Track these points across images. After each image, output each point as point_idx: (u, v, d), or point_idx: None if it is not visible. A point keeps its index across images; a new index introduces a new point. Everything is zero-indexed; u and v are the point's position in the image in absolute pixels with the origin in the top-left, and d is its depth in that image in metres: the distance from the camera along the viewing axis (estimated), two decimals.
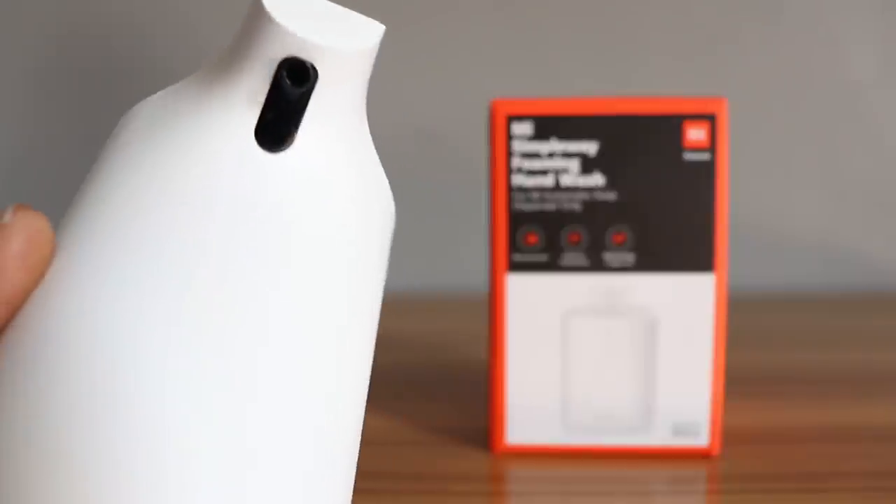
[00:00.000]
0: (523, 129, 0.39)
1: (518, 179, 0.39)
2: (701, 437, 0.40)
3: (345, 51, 0.24)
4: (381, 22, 0.71)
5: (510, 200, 0.39)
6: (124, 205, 0.24)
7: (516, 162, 0.39)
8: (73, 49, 0.72)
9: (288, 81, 0.24)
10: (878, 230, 0.72)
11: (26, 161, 0.71)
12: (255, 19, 0.24)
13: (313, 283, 0.23)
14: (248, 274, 0.23)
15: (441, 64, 0.71)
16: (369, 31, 0.25)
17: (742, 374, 0.48)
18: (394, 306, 0.64)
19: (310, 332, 0.23)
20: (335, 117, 0.25)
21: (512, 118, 0.39)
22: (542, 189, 0.39)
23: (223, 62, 0.25)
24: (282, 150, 0.24)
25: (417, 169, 0.72)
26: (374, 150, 0.27)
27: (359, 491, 0.38)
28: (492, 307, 0.40)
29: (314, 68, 0.24)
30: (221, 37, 0.71)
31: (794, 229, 0.72)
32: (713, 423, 0.40)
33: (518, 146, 0.39)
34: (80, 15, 0.71)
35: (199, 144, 0.24)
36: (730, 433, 0.42)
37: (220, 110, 0.24)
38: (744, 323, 0.52)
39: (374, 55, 0.26)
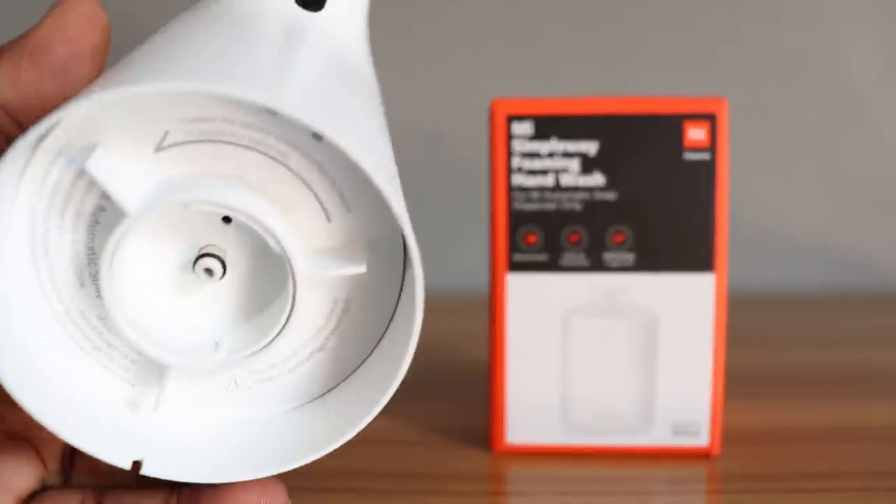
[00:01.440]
0: (523, 128, 0.39)
1: (518, 179, 0.39)
2: (701, 437, 0.40)
3: None
4: (382, 21, 0.71)
5: (510, 200, 0.39)
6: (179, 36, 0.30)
7: (516, 162, 0.39)
8: None
9: None
10: (878, 230, 0.72)
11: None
12: None
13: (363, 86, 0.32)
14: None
15: (441, 64, 0.71)
16: None
17: (742, 374, 0.48)
18: None
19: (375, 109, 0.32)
20: None
21: (512, 118, 0.39)
22: (542, 189, 0.39)
23: None
24: (318, 10, 0.30)
25: (417, 169, 0.72)
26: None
27: (359, 491, 0.38)
28: (492, 307, 0.40)
29: None
30: None
31: (794, 229, 0.72)
32: (713, 423, 0.40)
33: (518, 146, 0.39)
34: None
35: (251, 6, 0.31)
36: (730, 433, 0.42)
37: None
38: (744, 323, 0.52)
39: None
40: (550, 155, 0.39)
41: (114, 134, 0.27)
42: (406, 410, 0.46)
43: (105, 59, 0.28)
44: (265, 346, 0.28)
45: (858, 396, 0.48)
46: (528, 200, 0.39)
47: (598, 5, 0.70)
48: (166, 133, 0.27)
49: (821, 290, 0.71)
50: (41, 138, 0.27)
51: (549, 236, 0.39)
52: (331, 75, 0.30)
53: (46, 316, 0.29)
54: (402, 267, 0.29)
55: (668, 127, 0.39)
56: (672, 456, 0.40)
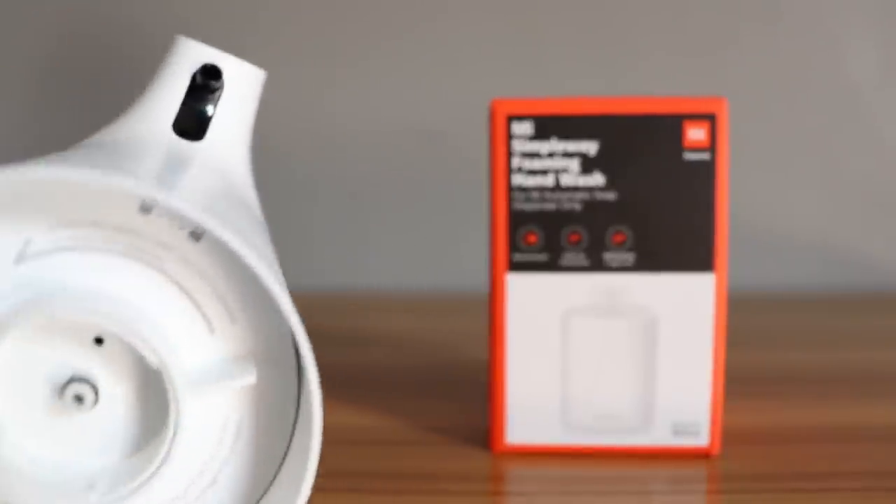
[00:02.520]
0: (523, 128, 0.39)
1: (518, 179, 0.39)
2: (701, 437, 0.40)
3: (244, 64, 0.30)
4: (382, 21, 0.71)
5: (510, 200, 0.39)
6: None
7: (516, 162, 0.39)
8: (74, 49, 0.72)
9: (202, 83, 0.29)
10: (878, 230, 0.72)
11: (26, 161, 0.71)
12: (174, 46, 0.30)
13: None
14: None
15: (441, 64, 0.71)
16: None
17: (742, 374, 0.48)
18: (394, 306, 0.64)
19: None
20: (237, 122, 0.30)
21: (512, 118, 0.39)
22: (542, 189, 0.39)
23: (148, 88, 0.30)
24: (199, 139, 0.29)
25: (417, 169, 0.72)
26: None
27: (359, 491, 0.38)
28: (492, 307, 0.40)
29: (220, 70, 0.29)
30: (221, 37, 0.71)
31: (794, 229, 0.72)
32: (713, 423, 0.40)
33: (518, 146, 0.39)
34: (80, 15, 0.71)
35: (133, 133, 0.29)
36: (730, 433, 0.42)
37: (147, 113, 0.29)
38: (744, 323, 0.52)
39: (261, 83, 0.31)
40: (550, 155, 0.39)
41: None
42: (406, 410, 0.46)
43: None
44: (147, 480, 0.25)
45: (858, 396, 0.48)
46: (528, 200, 0.39)
47: (599, 5, 0.70)
48: (28, 241, 0.25)
49: (821, 290, 0.71)
50: None
51: (549, 236, 0.39)
52: (211, 186, 0.28)
53: None
54: (296, 382, 0.26)
55: (668, 127, 0.39)
56: (672, 456, 0.40)
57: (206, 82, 0.30)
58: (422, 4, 0.70)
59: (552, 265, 0.39)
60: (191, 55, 0.30)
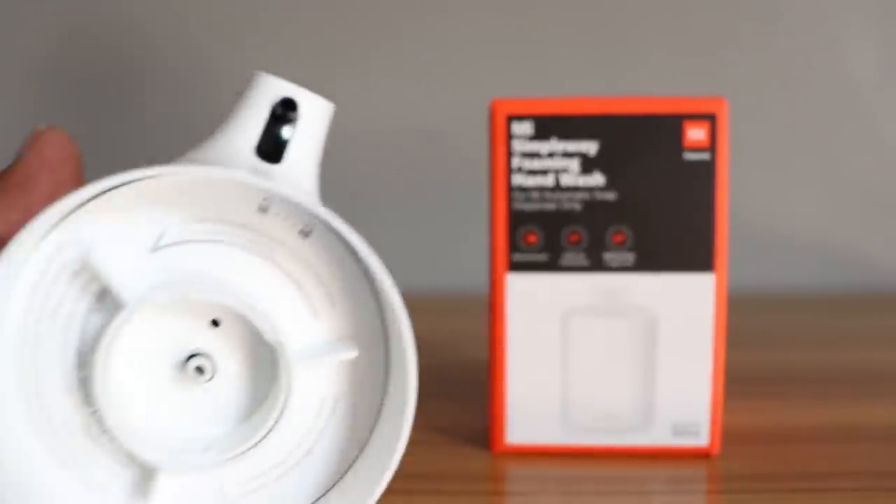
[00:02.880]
0: (523, 128, 0.39)
1: (518, 179, 0.39)
2: (701, 437, 0.40)
3: (317, 98, 0.34)
4: (382, 21, 0.71)
5: (510, 200, 0.39)
6: None
7: (516, 162, 0.39)
8: (74, 49, 0.72)
9: (281, 113, 0.33)
10: (878, 230, 0.72)
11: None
12: (255, 80, 0.34)
13: None
14: None
15: (441, 64, 0.71)
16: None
17: (742, 374, 0.48)
18: None
19: None
20: (310, 148, 0.34)
21: (512, 118, 0.39)
22: (542, 189, 0.39)
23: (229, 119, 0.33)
24: (277, 162, 0.32)
25: (417, 169, 0.72)
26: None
27: None
28: (492, 307, 0.40)
29: (297, 103, 0.33)
30: (221, 37, 0.71)
31: (794, 229, 0.72)
32: (713, 423, 0.40)
33: (518, 146, 0.39)
34: (80, 15, 0.71)
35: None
36: (730, 433, 0.42)
37: (231, 138, 0.32)
38: (744, 323, 0.52)
39: (330, 115, 0.35)
40: (550, 155, 0.39)
41: (112, 235, 0.28)
42: None
43: (80, 185, 0.29)
44: (256, 445, 0.29)
45: (858, 396, 0.48)
46: (528, 200, 0.39)
47: (599, 5, 0.70)
48: (162, 234, 0.28)
49: (821, 290, 0.71)
50: (42, 237, 0.27)
51: (549, 236, 0.39)
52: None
53: (26, 425, 0.28)
54: (384, 360, 0.30)
55: (668, 127, 0.39)
56: (672, 456, 0.40)
57: (285, 112, 0.35)
58: (422, 4, 0.70)
59: (552, 265, 0.39)
60: (270, 87, 0.35)
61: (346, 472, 0.31)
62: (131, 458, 0.29)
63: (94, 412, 0.29)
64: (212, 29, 0.71)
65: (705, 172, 0.39)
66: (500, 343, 0.40)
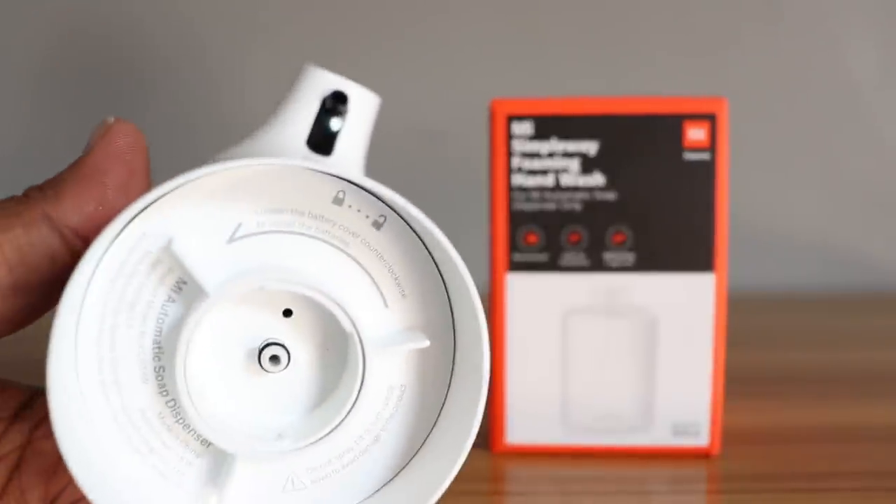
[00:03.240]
0: (523, 128, 0.39)
1: (518, 179, 0.39)
2: (701, 437, 0.40)
3: (365, 90, 0.37)
4: (382, 21, 0.71)
5: (510, 200, 0.39)
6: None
7: (516, 162, 0.39)
8: (74, 49, 0.72)
9: (331, 106, 0.36)
10: (878, 230, 0.72)
11: (26, 161, 0.71)
12: (304, 72, 0.37)
13: None
14: None
15: (441, 64, 0.71)
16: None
17: (742, 374, 0.48)
18: None
19: None
20: (358, 140, 0.37)
21: (512, 118, 0.39)
22: (542, 189, 0.39)
23: (281, 110, 0.36)
24: (328, 154, 0.35)
25: (417, 169, 0.72)
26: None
27: None
28: (492, 307, 0.40)
29: (347, 96, 0.36)
30: (221, 36, 0.71)
31: (794, 229, 0.72)
32: (713, 423, 0.40)
33: (518, 146, 0.39)
34: (80, 15, 0.71)
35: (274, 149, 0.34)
36: (730, 433, 0.42)
37: (282, 129, 0.35)
38: (744, 323, 0.52)
39: (377, 107, 0.38)
40: (550, 155, 0.39)
41: (190, 226, 0.28)
42: None
43: (149, 178, 0.29)
44: (329, 434, 0.29)
45: (858, 396, 0.48)
46: (528, 200, 0.39)
47: (599, 5, 0.70)
48: (239, 225, 0.29)
49: (821, 290, 0.71)
50: (120, 231, 0.28)
51: (549, 236, 0.39)
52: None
53: (104, 414, 0.29)
54: (452, 350, 0.30)
55: (668, 127, 0.39)
56: (672, 456, 0.40)
57: (335, 105, 0.36)
58: (422, 4, 0.70)
59: (552, 265, 0.39)
60: (320, 80, 0.37)
61: (412, 459, 0.31)
62: (206, 447, 0.29)
63: (171, 401, 0.29)
64: (213, 29, 0.71)
65: (705, 172, 0.39)
66: (500, 343, 0.40)
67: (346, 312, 0.28)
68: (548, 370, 0.40)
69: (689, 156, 0.39)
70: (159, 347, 0.29)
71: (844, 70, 0.70)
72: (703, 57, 0.70)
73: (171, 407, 0.29)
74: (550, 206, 0.39)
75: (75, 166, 0.29)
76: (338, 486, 0.30)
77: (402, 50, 0.71)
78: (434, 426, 0.31)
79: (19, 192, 0.29)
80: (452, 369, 0.30)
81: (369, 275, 0.29)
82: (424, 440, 0.31)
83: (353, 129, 0.37)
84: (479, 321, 0.29)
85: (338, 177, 0.28)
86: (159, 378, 0.29)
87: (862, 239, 0.72)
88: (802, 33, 0.70)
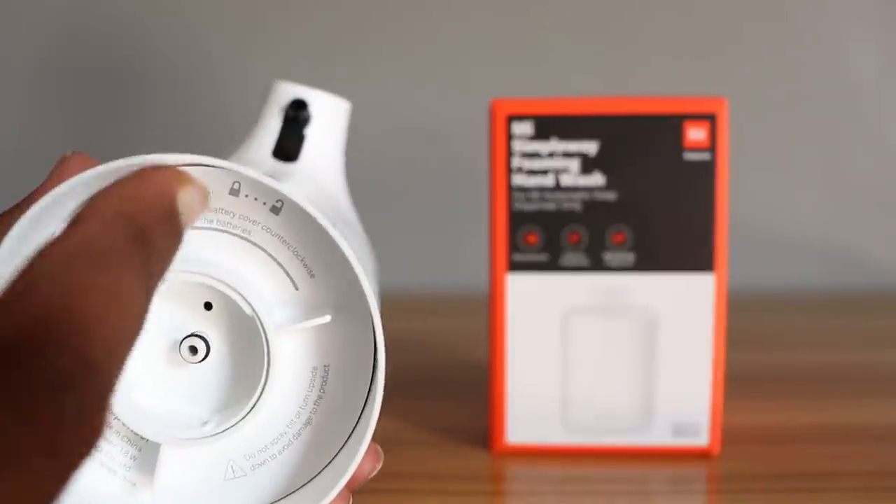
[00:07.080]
0: (523, 128, 0.39)
1: (518, 179, 0.39)
2: (701, 437, 0.40)
3: (330, 96, 0.38)
4: (383, 22, 0.71)
5: (510, 200, 0.39)
6: None
7: (516, 162, 0.39)
8: (74, 49, 0.72)
9: (293, 115, 0.37)
10: (878, 230, 0.72)
11: (26, 161, 0.71)
12: (271, 88, 0.38)
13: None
14: None
15: (441, 64, 0.71)
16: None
17: (742, 374, 0.48)
18: (394, 306, 0.64)
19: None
20: (329, 144, 0.38)
21: (512, 118, 0.39)
22: (542, 189, 0.39)
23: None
24: (293, 161, 0.37)
25: (417, 169, 0.72)
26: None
27: (358, 490, 0.38)
28: (492, 307, 0.40)
29: (307, 103, 0.38)
30: (221, 36, 0.71)
31: (794, 229, 0.72)
32: (713, 423, 0.40)
33: (518, 146, 0.39)
34: (80, 15, 0.71)
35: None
36: (730, 433, 0.42)
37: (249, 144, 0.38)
38: (744, 323, 0.52)
39: (347, 111, 0.40)
40: (550, 155, 0.39)
41: None
42: (406, 410, 0.46)
43: None
44: (250, 412, 0.30)
45: (858, 396, 0.48)
46: (528, 200, 0.39)
47: (599, 5, 0.70)
48: None
49: (821, 290, 0.71)
50: (38, 223, 0.28)
51: (549, 236, 0.39)
52: (306, 188, 0.36)
53: None
54: (371, 326, 0.30)
55: (668, 127, 0.39)
56: (672, 456, 0.40)
57: (297, 114, 0.37)
58: (422, 4, 0.70)
59: (552, 265, 0.39)
60: (282, 92, 0.38)
61: (348, 440, 0.31)
62: (136, 436, 0.30)
63: None
64: (214, 29, 0.71)
65: (705, 172, 0.39)
66: (500, 343, 0.40)
67: (242, 296, 0.29)
68: (548, 370, 0.40)
69: (690, 156, 0.39)
70: None
71: (845, 70, 0.70)
72: (704, 57, 0.70)
73: None
74: (550, 206, 0.39)
75: (28, 197, 0.29)
76: (279, 471, 0.31)
77: (403, 50, 0.71)
78: (364, 405, 0.31)
79: (19, 192, 0.29)
80: (375, 346, 0.30)
81: (275, 260, 0.30)
82: (357, 421, 0.31)
83: (321, 135, 0.38)
84: (368, 295, 0.29)
85: (227, 168, 0.28)
86: None
87: (862, 239, 0.72)
88: (803, 33, 0.70)
